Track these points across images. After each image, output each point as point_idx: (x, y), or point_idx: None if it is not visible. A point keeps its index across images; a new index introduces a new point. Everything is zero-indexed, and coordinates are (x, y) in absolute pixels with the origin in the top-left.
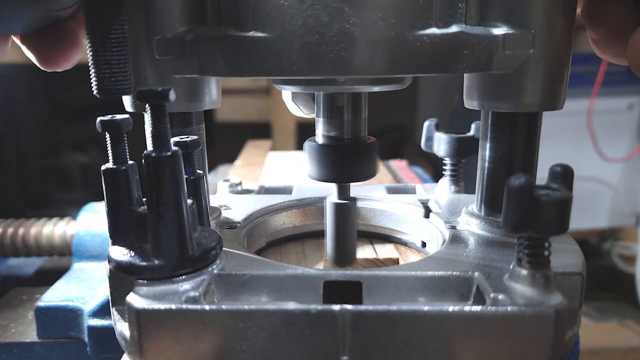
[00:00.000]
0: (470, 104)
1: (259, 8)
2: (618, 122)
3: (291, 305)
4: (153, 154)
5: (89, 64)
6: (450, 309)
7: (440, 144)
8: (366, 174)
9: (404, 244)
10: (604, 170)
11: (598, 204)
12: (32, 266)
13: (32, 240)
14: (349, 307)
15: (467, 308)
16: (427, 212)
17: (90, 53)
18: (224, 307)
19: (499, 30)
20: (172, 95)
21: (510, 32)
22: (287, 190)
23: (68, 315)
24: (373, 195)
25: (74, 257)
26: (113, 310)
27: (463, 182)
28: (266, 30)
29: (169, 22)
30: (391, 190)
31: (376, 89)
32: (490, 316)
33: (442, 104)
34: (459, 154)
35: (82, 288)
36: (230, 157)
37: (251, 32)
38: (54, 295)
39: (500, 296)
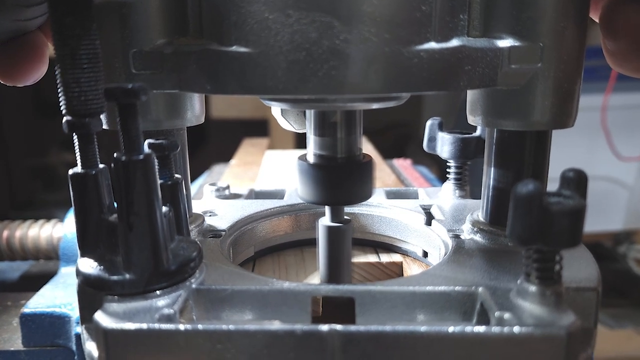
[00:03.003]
0: (473, 120)
1: (241, 22)
2: (634, 119)
3: (274, 325)
4: (123, 158)
5: (57, 83)
6: (450, 329)
7: (444, 145)
8: (361, 195)
9: (405, 253)
10: (619, 170)
11: (612, 205)
12: (17, 270)
13: (17, 243)
14: (338, 327)
15: (468, 329)
16: (429, 219)
17: (59, 71)
18: (200, 327)
19: (505, 43)
20: (144, 94)
21: (516, 44)
22: (279, 195)
23: (55, 322)
24: (371, 201)
25: (61, 261)
26: (82, 329)
27: (469, 186)
28: (250, 45)
29: (147, 34)
30: (391, 195)
31: (372, 106)
32: (494, 338)
33: (448, 100)
34: (464, 156)
35: (70, 294)
36: (225, 156)
37: (234, 47)
38: (40, 301)
39: (506, 315)
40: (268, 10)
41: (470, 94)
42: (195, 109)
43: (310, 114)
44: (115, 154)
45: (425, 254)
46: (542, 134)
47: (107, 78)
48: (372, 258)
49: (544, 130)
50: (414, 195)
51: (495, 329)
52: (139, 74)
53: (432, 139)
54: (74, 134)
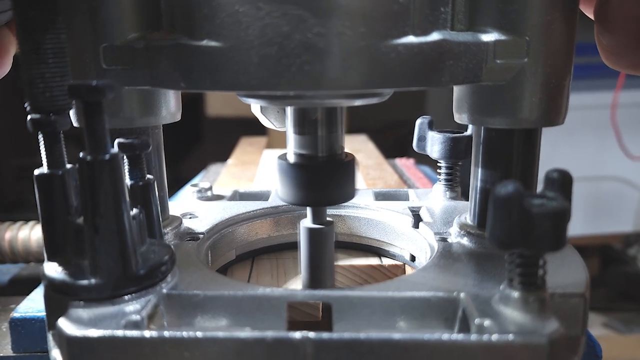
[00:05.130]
0: (460, 117)
1: (212, 15)
2: None
3: (244, 332)
4: (88, 158)
5: (22, 79)
6: (426, 337)
7: (434, 145)
8: (344, 196)
9: (392, 257)
10: (629, 169)
11: (622, 206)
12: (6, 274)
13: (6, 245)
14: (311, 334)
15: (445, 336)
16: (417, 221)
17: (23, 66)
18: (166, 334)
19: (490, 37)
20: (110, 91)
21: (502, 38)
22: (264, 196)
23: (45, 327)
24: (359, 203)
25: None
26: (49, 336)
27: (460, 187)
28: (221, 39)
29: (118, 28)
30: (380, 196)
31: (354, 103)
32: (473, 346)
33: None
34: (454, 156)
35: None
36: (221, 155)
37: (205, 42)
38: (31, 306)
39: (486, 322)
40: (238, 3)
41: (456, 91)
42: (170, 106)
43: (289, 111)
44: (80, 154)
45: (413, 258)
46: (531, 132)
47: (78, 73)
48: (373, 261)
49: (532, 128)
50: (404, 197)
51: (474, 337)
52: (109, 69)
53: (422, 138)
54: (39, 132)
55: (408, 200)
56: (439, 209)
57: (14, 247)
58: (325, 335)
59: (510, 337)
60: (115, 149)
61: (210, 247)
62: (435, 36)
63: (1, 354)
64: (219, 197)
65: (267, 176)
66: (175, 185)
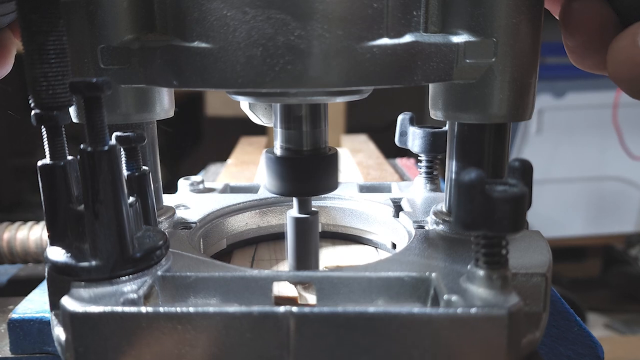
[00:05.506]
0: (434, 114)
1: (202, 18)
2: None
3: (232, 308)
4: (88, 149)
5: (26, 78)
6: (398, 310)
7: (415, 139)
8: (327, 187)
9: (375, 245)
10: (631, 169)
11: (624, 206)
12: (4, 274)
13: (4, 246)
14: (293, 309)
15: (415, 310)
16: (398, 211)
17: (27, 66)
18: (161, 309)
19: (460, 38)
20: (108, 87)
21: (471, 40)
22: (254, 189)
23: (44, 329)
24: (343, 194)
25: None
26: (51, 316)
27: (439, 179)
28: (210, 41)
29: (115, 30)
30: (364, 189)
31: (335, 100)
32: (439, 318)
33: None
34: (434, 150)
35: None
36: (221, 155)
37: (195, 43)
38: (29, 307)
39: (454, 297)
40: (226, 8)
41: (432, 89)
42: (164, 103)
43: (276, 107)
44: (81, 145)
45: (394, 246)
46: (501, 127)
47: (78, 73)
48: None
49: (502, 123)
50: (387, 189)
51: (440, 310)
52: (107, 69)
53: (404, 134)
54: (43, 126)
55: (391, 192)
56: (420, 199)
57: (12, 247)
58: (306, 309)
59: (474, 310)
60: (113, 141)
61: (203, 236)
62: (407, 38)
63: (0, 355)
64: (210, 190)
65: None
66: (175, 185)
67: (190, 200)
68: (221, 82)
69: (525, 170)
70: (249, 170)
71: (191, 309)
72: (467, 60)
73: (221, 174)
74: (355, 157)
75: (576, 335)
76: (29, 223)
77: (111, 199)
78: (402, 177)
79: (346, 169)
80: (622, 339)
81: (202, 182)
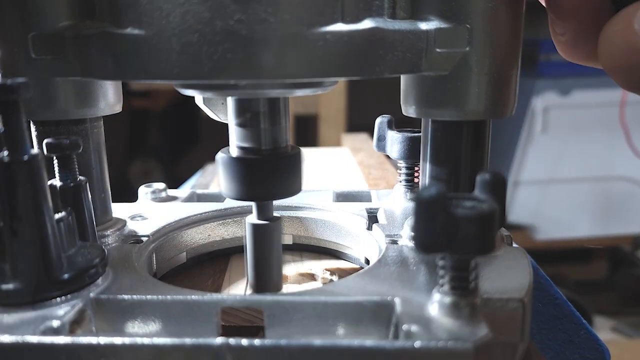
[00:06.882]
0: (406, 110)
1: (134, 1)
2: None
3: (162, 339)
4: (5, 159)
5: None
6: (347, 343)
7: (393, 144)
8: (289, 189)
9: (349, 260)
10: (638, 169)
11: (632, 206)
12: None
13: None
14: (231, 341)
15: (368, 343)
16: (373, 223)
17: None
18: (81, 340)
19: (430, 25)
20: (25, 89)
21: (442, 26)
22: (222, 198)
23: None
24: (316, 204)
25: None
26: None
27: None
28: (143, 27)
29: (48, 16)
30: (341, 197)
31: (295, 93)
32: (397, 352)
33: None
34: (413, 156)
35: None
36: None
37: (128, 29)
38: None
39: (413, 328)
40: None
41: (403, 83)
42: (108, 97)
43: (229, 102)
44: None
45: (368, 261)
46: (479, 125)
47: (6, 63)
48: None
49: (480, 120)
50: (366, 198)
51: (398, 344)
52: (39, 59)
53: (382, 138)
54: None
55: (370, 201)
56: (398, 210)
57: None
58: (244, 341)
59: (434, 343)
60: (36, 150)
61: (155, 250)
62: (367, 24)
63: None
64: (173, 199)
65: None
66: (172, 186)
67: (148, 210)
68: (157, 72)
69: (497, 184)
70: None
71: (116, 340)
72: (438, 50)
73: None
74: (356, 156)
75: (583, 339)
76: None
77: (32, 214)
78: None
79: (347, 168)
80: (630, 343)
81: (165, 189)
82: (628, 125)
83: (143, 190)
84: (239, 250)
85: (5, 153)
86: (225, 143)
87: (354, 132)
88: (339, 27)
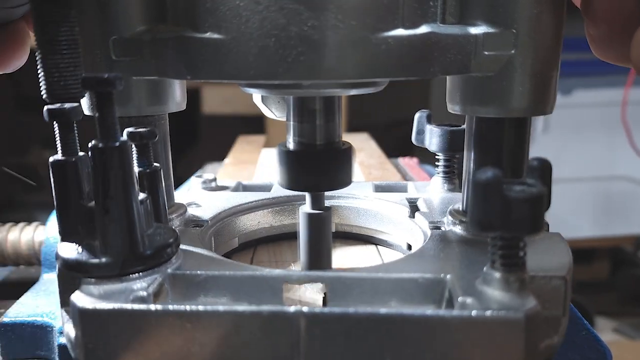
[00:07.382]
0: (452, 108)
1: (214, 9)
2: None
3: (241, 307)
4: (99, 145)
5: (38, 69)
6: (410, 312)
7: (432, 138)
8: (341, 181)
9: (389, 246)
10: None
11: (634, 206)
12: None
13: None
14: (304, 309)
15: (428, 312)
16: (414, 211)
17: (39, 57)
18: (170, 307)
19: (478, 30)
20: (119, 83)
21: (490, 31)
22: (266, 188)
23: (36, 332)
24: (357, 194)
25: (43, 267)
26: (62, 312)
27: (458, 179)
28: (222, 32)
29: (126, 22)
30: (380, 189)
31: (350, 92)
32: (454, 321)
33: None
34: (452, 149)
35: (53, 301)
36: (218, 154)
37: (207, 34)
38: (21, 310)
39: (469, 300)
40: None
41: (449, 82)
42: (176, 96)
43: (289, 100)
44: (92, 141)
45: (410, 247)
46: (521, 121)
47: (89, 64)
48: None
49: (522, 117)
50: (403, 189)
51: (454, 312)
52: (119, 61)
53: (421, 132)
54: (55, 122)
55: (407, 192)
56: (437, 200)
57: (3, 249)
58: (317, 309)
59: (489, 312)
60: (124, 137)
61: (214, 234)
62: (424, 29)
63: None
64: (222, 188)
65: (266, 176)
66: (176, 182)
67: (201, 198)
68: (233, 73)
69: (544, 169)
70: (247, 169)
71: (200, 307)
72: (486, 52)
73: (218, 174)
74: (356, 156)
75: (584, 339)
76: (21, 224)
77: (122, 195)
78: (405, 177)
79: None
80: (632, 344)
81: (215, 180)
82: (630, 125)
83: (195, 180)
84: (285, 237)
85: (99, 140)
86: (225, 143)
87: (354, 132)
88: (400, 32)
